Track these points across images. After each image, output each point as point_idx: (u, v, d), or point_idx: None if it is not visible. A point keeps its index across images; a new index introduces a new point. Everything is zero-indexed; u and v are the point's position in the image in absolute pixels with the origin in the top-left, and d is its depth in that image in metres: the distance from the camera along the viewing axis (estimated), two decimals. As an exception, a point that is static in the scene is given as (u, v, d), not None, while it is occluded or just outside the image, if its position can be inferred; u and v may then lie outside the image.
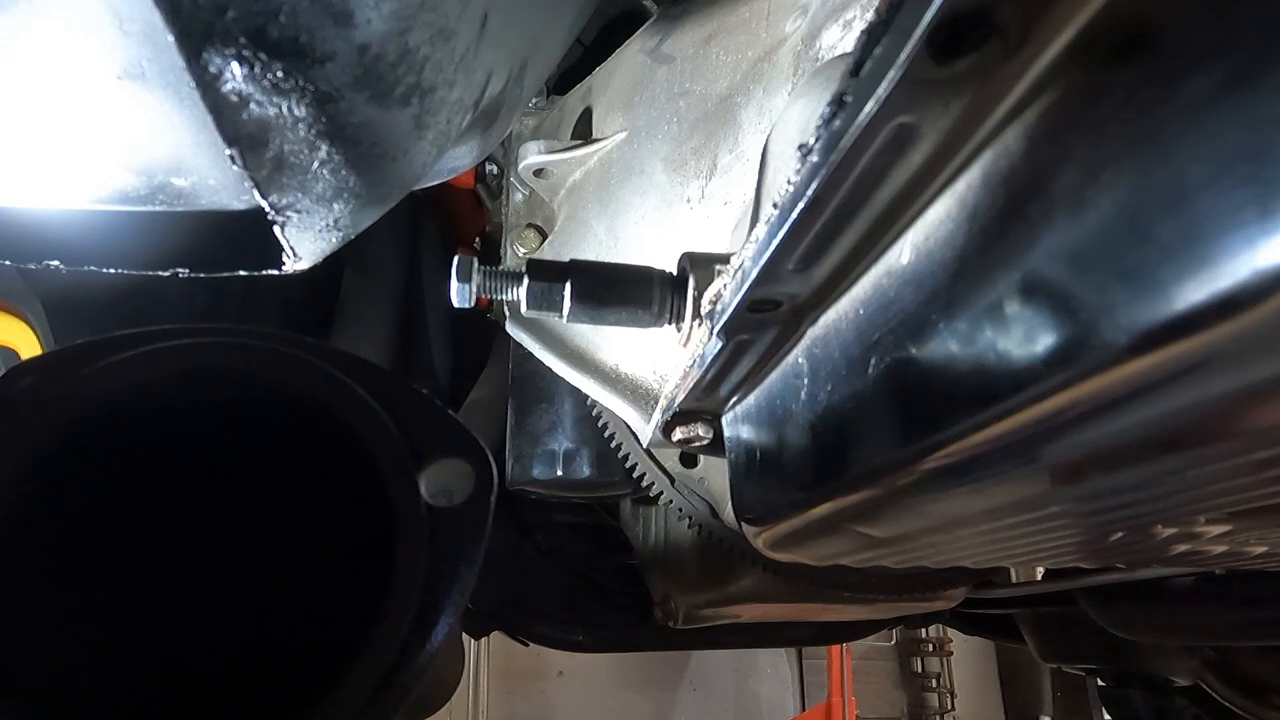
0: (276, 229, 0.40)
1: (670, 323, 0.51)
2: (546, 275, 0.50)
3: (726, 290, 0.43)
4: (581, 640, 1.52)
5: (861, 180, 0.31)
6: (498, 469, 0.50)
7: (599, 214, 0.79)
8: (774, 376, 0.50)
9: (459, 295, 0.52)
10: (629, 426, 0.79)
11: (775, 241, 0.35)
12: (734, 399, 0.56)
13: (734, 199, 0.64)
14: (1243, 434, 0.25)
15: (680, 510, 0.83)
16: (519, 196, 0.95)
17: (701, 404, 0.57)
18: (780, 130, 0.44)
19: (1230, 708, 1.36)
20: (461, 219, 1.27)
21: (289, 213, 0.39)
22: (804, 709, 3.40)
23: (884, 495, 0.40)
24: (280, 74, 0.33)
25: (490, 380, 1.16)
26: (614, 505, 1.24)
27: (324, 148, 0.37)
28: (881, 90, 0.26)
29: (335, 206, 0.41)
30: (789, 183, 0.32)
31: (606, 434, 0.84)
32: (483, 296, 0.52)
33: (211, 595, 0.59)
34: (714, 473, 0.81)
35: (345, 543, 0.58)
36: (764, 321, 0.44)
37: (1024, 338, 0.28)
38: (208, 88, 0.32)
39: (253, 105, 0.33)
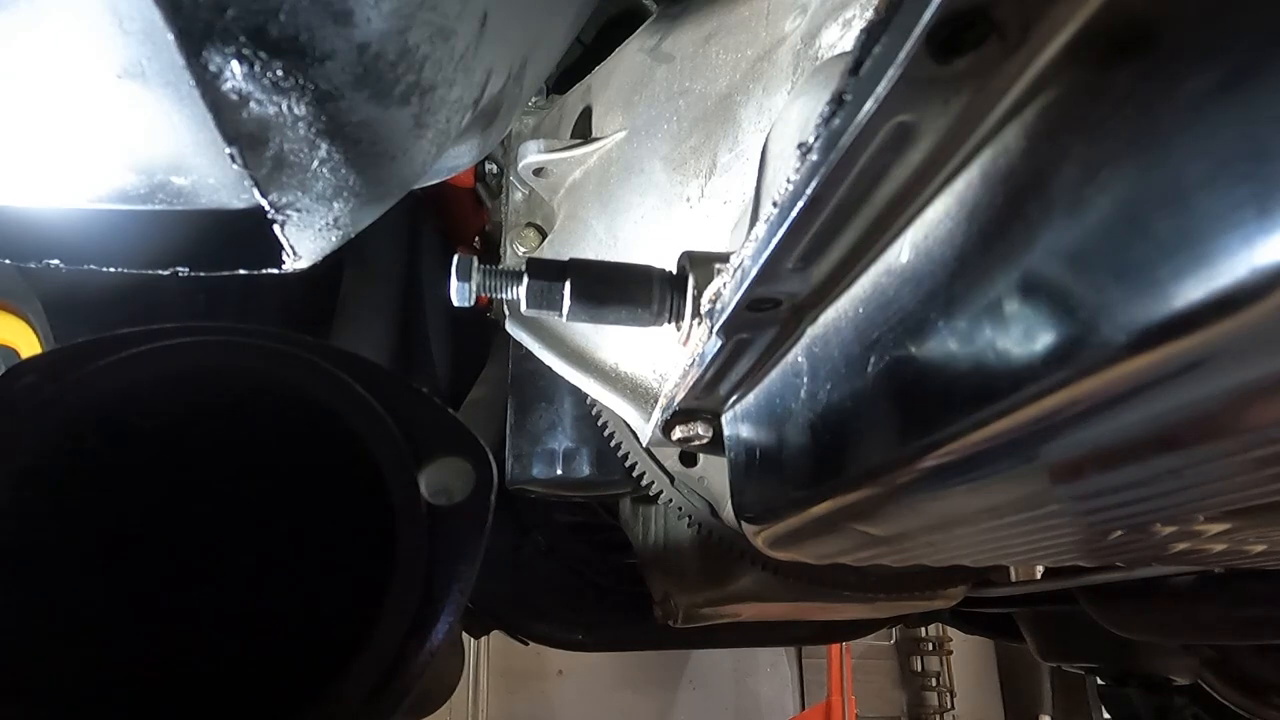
0: (276, 228, 0.40)
1: (670, 321, 0.51)
2: (546, 274, 0.50)
3: (726, 289, 0.43)
4: (581, 639, 1.52)
5: (861, 179, 0.31)
6: (497, 468, 0.50)
7: (599, 213, 0.79)
8: (774, 375, 0.50)
9: (459, 294, 0.52)
10: (628, 425, 0.79)
11: (775, 240, 0.35)
12: (734, 398, 0.56)
13: (734, 198, 0.64)
14: (1241, 432, 0.25)
15: (680, 509, 0.83)
16: (519, 195, 0.95)
17: (701, 403, 0.57)
18: (780, 129, 0.44)
19: (1230, 706, 1.36)
20: (461, 218, 1.27)
21: (289, 211, 0.39)
22: (804, 708, 3.40)
23: (883, 493, 0.40)
24: (280, 72, 0.33)
25: (490, 379, 1.16)
26: (614, 504, 1.24)
27: (324, 146, 0.37)
28: (881, 89, 0.26)
29: (335, 205, 0.41)
30: (789, 181, 0.33)
31: (606, 433, 0.84)
32: (482, 295, 0.52)
33: (211, 594, 0.59)
34: (714, 471, 0.81)
35: (345, 541, 0.58)
36: (763, 320, 0.44)
37: (1023, 336, 0.28)
38: (208, 86, 0.32)
39: (252, 104, 0.33)
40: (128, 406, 0.50)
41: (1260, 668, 1.29)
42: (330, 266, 0.83)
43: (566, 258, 0.51)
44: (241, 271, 0.44)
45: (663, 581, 1.08)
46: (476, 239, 1.20)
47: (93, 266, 0.45)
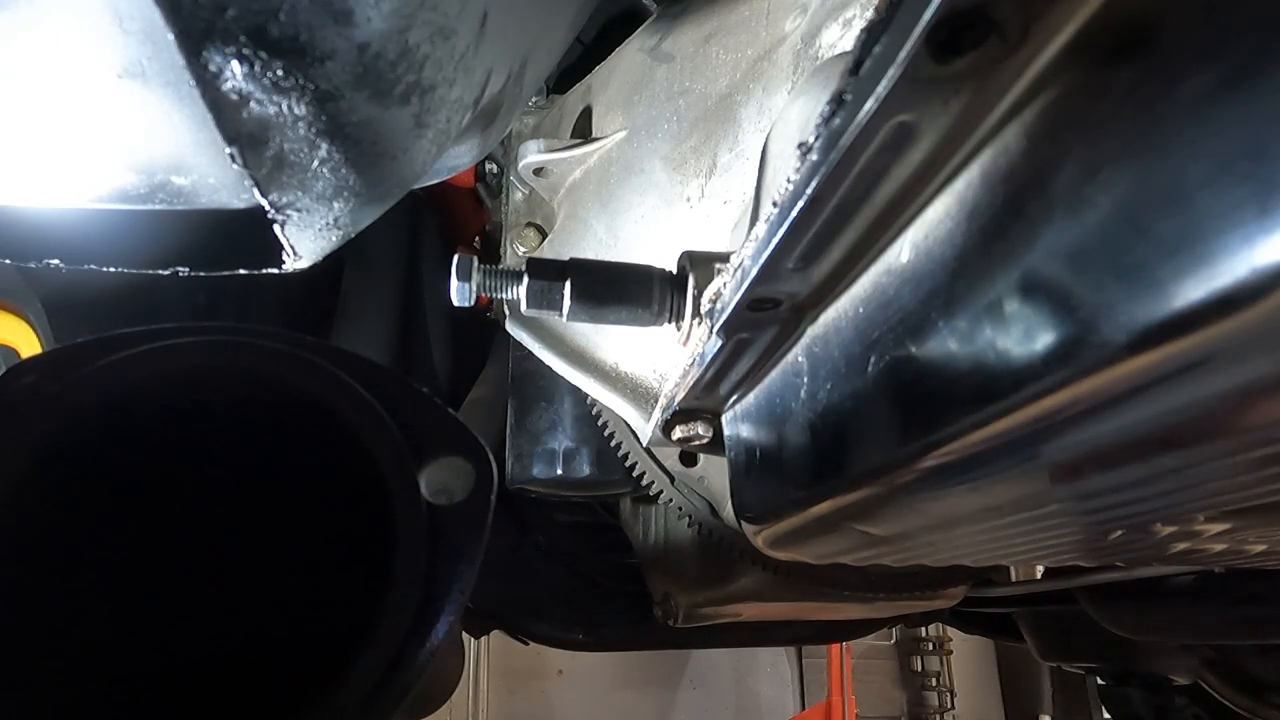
0: (276, 227, 0.40)
1: (670, 321, 0.51)
2: (546, 274, 0.50)
3: (726, 289, 0.43)
4: (581, 639, 1.52)
5: (861, 178, 0.31)
6: (497, 468, 0.50)
7: (599, 213, 0.79)
8: (774, 375, 0.50)
9: (459, 294, 0.52)
10: (629, 425, 0.79)
11: (775, 240, 0.35)
12: (734, 397, 0.56)
13: (734, 197, 0.64)
14: (1241, 432, 0.25)
15: (680, 509, 0.83)
16: (519, 195, 0.95)
17: (701, 402, 0.57)
18: (780, 129, 0.44)
19: (1230, 706, 1.36)
20: (461, 218, 1.27)
21: (289, 211, 0.39)
22: (804, 708, 3.40)
23: (883, 493, 0.40)
24: (280, 72, 0.33)
25: (490, 379, 1.16)
26: (614, 504, 1.24)
27: (324, 146, 0.37)
28: (881, 88, 0.26)
29: (335, 205, 0.41)
30: (789, 181, 0.33)
31: (606, 433, 0.84)
32: (483, 295, 0.52)
33: (211, 594, 0.59)
34: (714, 471, 0.81)
35: (345, 541, 0.58)
36: (764, 320, 0.44)
37: (1023, 336, 0.28)
38: (208, 86, 0.32)
39: (253, 103, 0.33)
40: (128, 406, 0.50)
41: (1260, 668, 1.29)
42: (330, 266, 0.83)
43: (566, 257, 0.51)
44: (241, 271, 0.44)
45: (663, 581, 1.08)
46: (476, 239, 1.20)
47: (93, 266, 0.45)
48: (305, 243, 0.42)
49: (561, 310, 0.50)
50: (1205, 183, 0.21)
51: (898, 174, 0.32)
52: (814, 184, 0.31)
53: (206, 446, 0.56)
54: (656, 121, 0.73)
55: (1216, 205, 0.21)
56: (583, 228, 0.81)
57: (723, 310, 0.43)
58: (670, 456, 0.82)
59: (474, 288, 0.52)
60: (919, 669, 3.56)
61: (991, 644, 3.57)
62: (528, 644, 1.58)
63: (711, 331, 0.45)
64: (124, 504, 0.56)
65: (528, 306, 0.50)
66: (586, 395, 0.79)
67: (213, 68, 0.32)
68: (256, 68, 0.32)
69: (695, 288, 0.48)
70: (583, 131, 0.85)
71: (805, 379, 0.45)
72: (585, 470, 0.91)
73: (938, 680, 3.53)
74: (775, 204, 0.34)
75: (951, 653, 3.56)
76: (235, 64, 0.32)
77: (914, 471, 0.36)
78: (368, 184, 0.41)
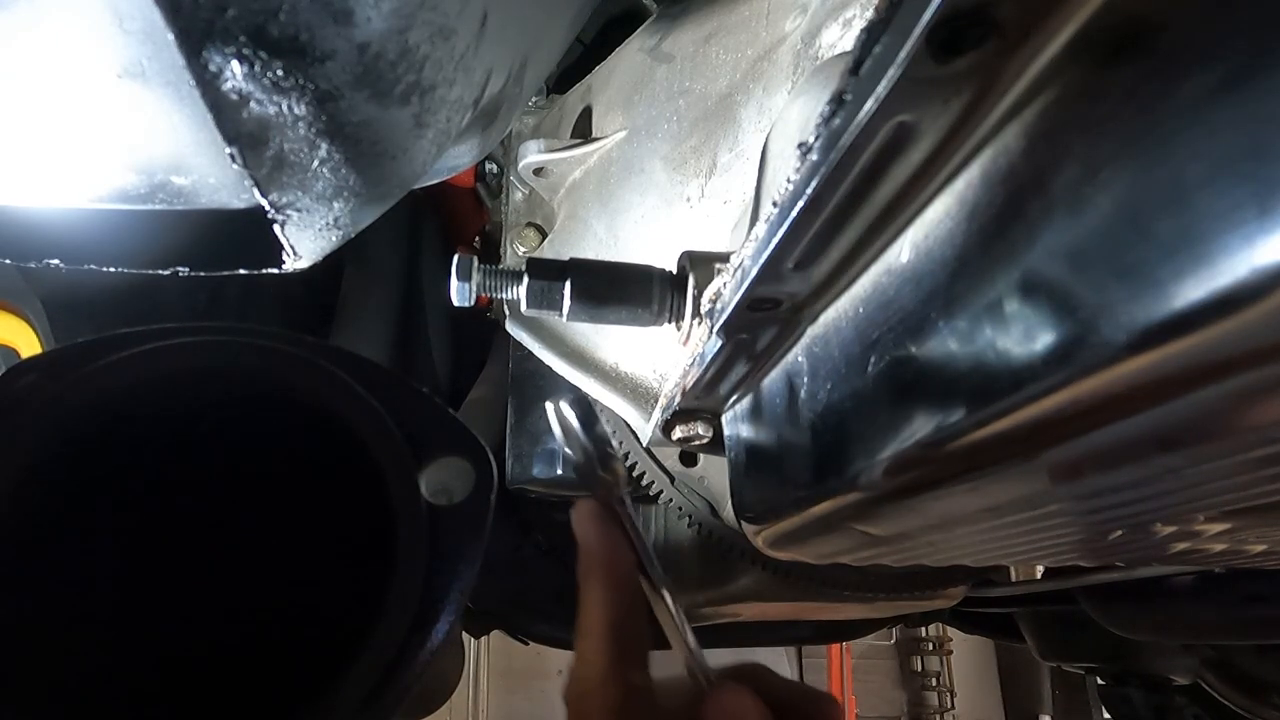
0: (276, 227, 0.40)
1: (670, 321, 0.51)
2: (546, 274, 0.50)
3: (726, 289, 0.43)
4: (581, 639, 1.52)
5: (861, 178, 0.31)
6: (498, 468, 0.50)
7: (599, 213, 0.79)
8: (774, 375, 0.50)
9: (459, 294, 0.52)
10: (629, 425, 0.79)
11: (775, 240, 0.35)
12: (734, 397, 0.56)
13: (734, 198, 0.64)
14: (1241, 432, 0.25)
15: (680, 509, 0.83)
16: (519, 195, 0.95)
17: (701, 402, 0.57)
18: (780, 129, 0.44)
19: (1230, 706, 1.36)
20: (461, 218, 1.27)
21: (289, 211, 0.39)
22: (804, 708, 3.39)
23: (883, 493, 0.40)
24: (280, 72, 0.33)
25: (490, 379, 1.16)
26: (614, 504, 1.24)
27: (324, 146, 0.37)
28: (881, 88, 0.26)
29: (335, 205, 0.41)
30: (789, 181, 0.33)
31: (606, 433, 0.84)
32: (483, 295, 0.52)
33: (211, 594, 0.59)
34: (714, 471, 0.81)
35: (345, 542, 0.58)
36: (764, 320, 0.44)
37: (1023, 336, 0.28)
38: (208, 86, 0.32)
39: (253, 104, 0.33)
40: (128, 406, 0.50)
41: (1260, 668, 1.29)
42: (330, 266, 0.83)
43: (566, 257, 0.51)
44: (241, 271, 0.44)
45: (663, 581, 1.08)
46: (476, 239, 1.20)
47: (93, 266, 0.45)
48: (305, 243, 0.42)
49: (561, 310, 0.50)
50: (1205, 183, 0.21)
51: (898, 174, 0.32)
52: (814, 184, 0.31)
53: (206, 447, 0.56)
54: (656, 121, 0.73)
55: (1216, 205, 0.21)
56: (583, 228, 0.81)
57: (723, 310, 0.43)
58: (670, 456, 0.82)
59: (474, 288, 0.52)
60: (919, 669, 3.56)
61: (991, 644, 3.57)
62: (528, 644, 1.57)
63: (711, 331, 0.45)
64: (123, 504, 0.56)
65: (528, 306, 0.50)
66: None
67: (213, 68, 0.32)
68: (256, 68, 0.32)
69: (695, 288, 0.48)
70: (583, 131, 0.85)
71: (805, 379, 0.45)
72: (585, 470, 0.91)
73: (938, 680, 3.53)
74: (775, 204, 0.34)
75: (951, 653, 3.56)
76: (235, 64, 0.32)
77: (914, 471, 0.36)
78: (368, 184, 0.41)
